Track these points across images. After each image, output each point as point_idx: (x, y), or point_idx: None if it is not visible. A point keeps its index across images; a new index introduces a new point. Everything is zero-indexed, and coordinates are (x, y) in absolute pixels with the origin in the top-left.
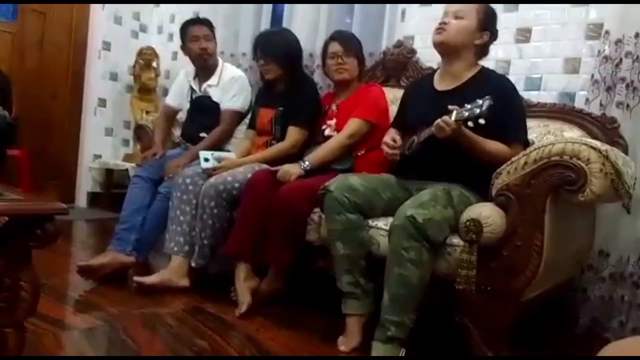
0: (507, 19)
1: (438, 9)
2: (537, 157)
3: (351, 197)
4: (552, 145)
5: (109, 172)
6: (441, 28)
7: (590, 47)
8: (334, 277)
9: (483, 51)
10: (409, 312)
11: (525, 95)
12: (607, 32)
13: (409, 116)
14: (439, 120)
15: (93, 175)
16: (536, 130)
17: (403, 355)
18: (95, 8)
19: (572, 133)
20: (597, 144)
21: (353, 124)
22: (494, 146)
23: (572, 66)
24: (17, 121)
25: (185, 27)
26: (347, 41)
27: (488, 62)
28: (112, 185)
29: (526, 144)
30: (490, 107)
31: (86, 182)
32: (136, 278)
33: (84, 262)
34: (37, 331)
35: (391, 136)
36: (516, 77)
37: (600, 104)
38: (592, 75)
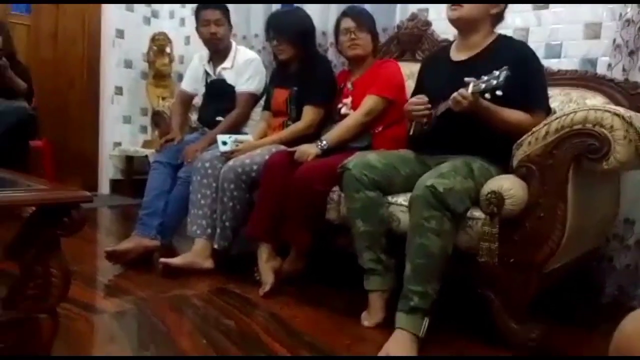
0: None
1: None
2: (558, 127)
3: (370, 174)
4: (574, 114)
5: (129, 159)
6: (456, 3)
7: (611, 10)
8: (355, 255)
9: (498, 19)
10: (431, 282)
11: (546, 63)
12: None
13: (426, 89)
14: (455, 94)
15: (114, 162)
16: (558, 98)
17: (427, 325)
18: None
19: (594, 100)
20: (620, 110)
21: (369, 101)
22: (514, 115)
23: (593, 31)
24: (36, 112)
25: (199, 10)
26: (359, 16)
27: (506, 31)
28: (133, 172)
29: (548, 111)
30: (508, 78)
31: (107, 170)
32: (162, 259)
33: (111, 248)
34: (69, 316)
35: (415, 99)
36: (535, 45)
37: (623, 69)
38: (614, 40)
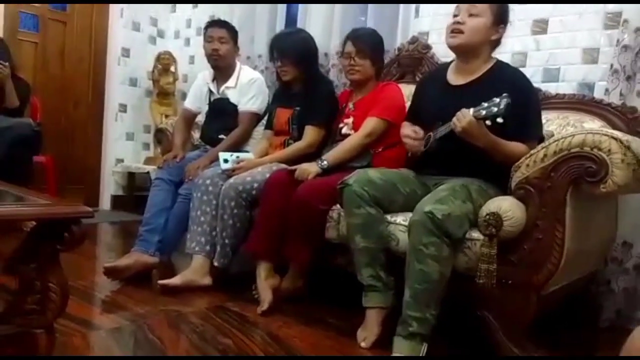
0: (523, 10)
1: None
2: (556, 149)
3: (370, 190)
4: (572, 137)
5: (131, 176)
6: (456, 30)
7: (609, 36)
8: (353, 273)
9: (497, 44)
10: (430, 308)
11: (544, 86)
12: (625, 21)
13: (422, 111)
14: (458, 113)
15: (116, 179)
16: (555, 122)
17: (425, 350)
18: (113, 16)
19: (592, 124)
20: (618, 134)
21: (370, 123)
22: (512, 147)
23: (591, 56)
24: (41, 127)
25: (206, 27)
26: (360, 42)
27: (504, 55)
28: (135, 188)
29: (541, 140)
30: (508, 106)
31: (109, 186)
32: (160, 281)
33: (110, 264)
34: (66, 332)
35: (412, 128)
36: (533, 69)
37: (621, 94)
38: (612, 65)
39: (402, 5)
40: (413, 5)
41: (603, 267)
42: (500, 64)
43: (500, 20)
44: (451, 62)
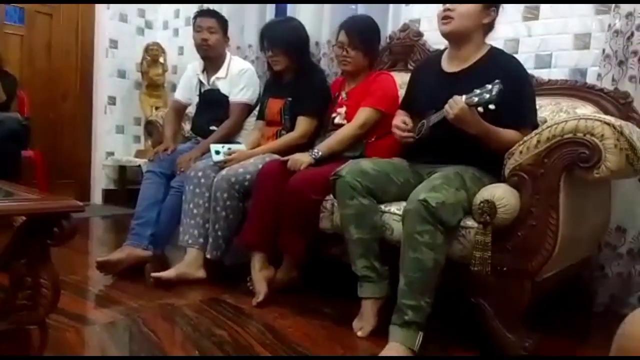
0: None
1: None
2: (549, 136)
3: (363, 181)
4: (564, 123)
5: (122, 169)
6: (447, 17)
7: (600, 21)
8: (348, 264)
9: (490, 28)
10: (425, 296)
11: (536, 73)
12: (617, 6)
13: (417, 99)
14: (450, 100)
15: (107, 172)
16: (548, 108)
17: (421, 339)
18: (100, 7)
19: (584, 110)
20: (610, 119)
21: (364, 114)
22: (506, 134)
23: (582, 42)
24: (29, 121)
25: (195, 17)
26: (353, 32)
27: (496, 42)
28: (126, 182)
29: (535, 127)
30: (500, 92)
31: (100, 180)
32: (153, 274)
33: (102, 258)
34: (59, 327)
35: (401, 118)
36: (526, 56)
37: (613, 79)
38: (604, 50)
39: None
40: None
41: (597, 252)
42: (494, 51)
43: (491, 3)
44: (445, 49)
